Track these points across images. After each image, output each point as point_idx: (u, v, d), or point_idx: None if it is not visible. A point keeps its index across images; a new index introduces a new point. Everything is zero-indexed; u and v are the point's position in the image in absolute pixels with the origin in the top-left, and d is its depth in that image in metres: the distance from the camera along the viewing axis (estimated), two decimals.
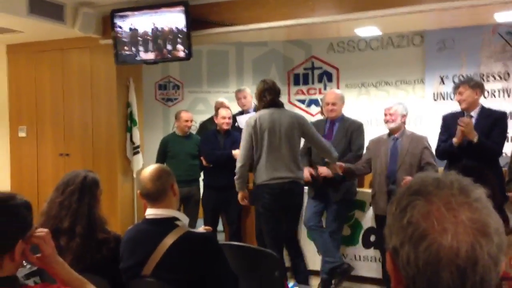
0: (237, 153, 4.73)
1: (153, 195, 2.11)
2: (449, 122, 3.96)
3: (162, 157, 5.21)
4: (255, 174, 3.91)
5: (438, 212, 0.77)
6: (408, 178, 3.78)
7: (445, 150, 3.83)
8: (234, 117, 5.49)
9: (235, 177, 3.95)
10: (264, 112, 3.86)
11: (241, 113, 5.59)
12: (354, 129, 4.38)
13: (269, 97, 3.89)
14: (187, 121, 5.20)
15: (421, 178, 0.84)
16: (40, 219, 2.27)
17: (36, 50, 6.03)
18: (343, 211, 4.39)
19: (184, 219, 2.12)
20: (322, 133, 4.39)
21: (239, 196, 4.05)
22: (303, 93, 7.20)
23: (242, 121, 5.28)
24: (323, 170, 4.23)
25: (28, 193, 5.95)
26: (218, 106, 5.33)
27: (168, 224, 2.04)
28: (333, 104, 4.40)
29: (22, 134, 6.17)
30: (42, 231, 1.50)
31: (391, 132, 4.17)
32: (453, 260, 0.74)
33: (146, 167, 2.22)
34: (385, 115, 4.18)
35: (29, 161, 6.14)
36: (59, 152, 5.98)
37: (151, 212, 2.11)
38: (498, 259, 0.77)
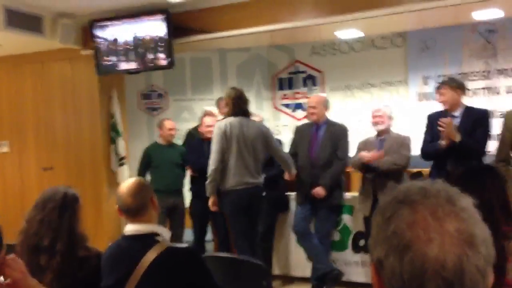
0: None
1: (134, 211, 2.06)
2: (434, 121, 3.96)
3: (144, 167, 5.12)
4: (221, 179, 4.00)
5: (424, 221, 0.74)
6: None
7: (431, 152, 3.82)
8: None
9: (208, 181, 4.01)
10: (234, 119, 3.98)
11: None
12: (340, 134, 4.38)
13: (241, 105, 4.02)
14: (171, 129, 5.13)
15: (407, 187, 0.81)
16: (19, 238, 2.21)
17: (16, 63, 5.95)
18: (332, 216, 4.36)
19: (165, 234, 2.07)
20: (308, 137, 4.38)
21: (210, 201, 4.08)
22: (288, 97, 7.18)
23: None
24: (319, 192, 4.22)
25: (12, 209, 5.85)
26: (203, 113, 5.28)
27: (149, 240, 1.99)
28: (313, 107, 4.40)
29: (4, 149, 6.07)
30: (6, 258, 1.44)
31: (379, 134, 4.18)
32: (439, 272, 0.71)
33: (124, 182, 2.16)
34: (373, 117, 4.18)
35: (13, 177, 6.04)
36: (43, 166, 5.89)
37: (130, 228, 2.05)
38: (485, 272, 0.74)
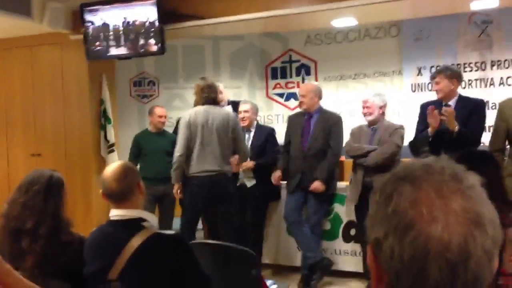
0: None
1: (119, 195, 1.98)
2: (426, 111, 3.91)
3: (135, 155, 5.07)
4: (187, 166, 4.04)
5: (427, 199, 0.68)
6: None
7: (420, 140, 3.77)
8: None
9: (173, 168, 4.05)
10: (200, 108, 4.07)
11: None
12: (333, 123, 4.32)
13: (208, 94, 4.07)
14: (160, 116, 5.05)
15: (409, 164, 0.76)
16: (0, 221, 2.14)
17: (3, 47, 5.82)
18: (324, 205, 4.32)
19: (152, 220, 2.00)
20: (300, 126, 4.32)
21: (175, 188, 4.11)
22: (281, 86, 7.10)
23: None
24: (318, 187, 4.18)
25: (0, 194, 5.76)
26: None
27: (134, 225, 1.93)
28: (303, 96, 4.34)
29: None
30: None
31: (370, 124, 4.14)
32: (442, 253, 0.66)
33: (108, 166, 2.09)
34: (363, 107, 4.14)
35: (0, 163, 5.93)
36: (31, 153, 5.79)
37: (115, 213, 1.98)
38: (492, 254, 0.68)
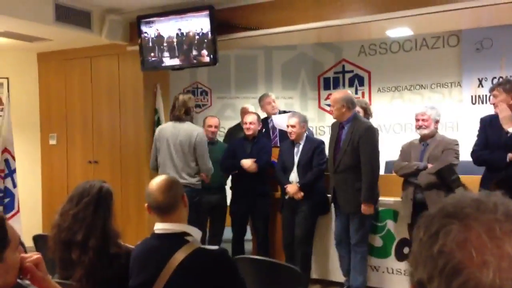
0: (245, 162, 4.62)
1: (164, 208, 1.99)
2: (487, 125, 3.72)
3: None
4: None
5: (478, 240, 0.62)
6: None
7: (488, 160, 3.57)
8: (265, 121, 5.39)
9: None
10: (169, 123, 4.49)
11: (266, 118, 5.51)
12: (361, 135, 3.97)
13: (179, 111, 4.39)
14: (210, 126, 5.06)
15: (457, 198, 0.69)
16: (52, 231, 2.20)
17: (65, 58, 6.08)
18: (365, 222, 4.13)
19: (195, 234, 1.99)
20: (334, 138, 4.17)
21: None
22: None
23: (278, 121, 5.22)
24: (365, 211, 3.98)
25: (58, 201, 5.96)
26: (243, 112, 5.25)
27: (178, 239, 1.92)
28: (331, 106, 4.17)
29: (52, 141, 6.23)
30: (31, 258, 1.39)
31: (423, 138, 3.96)
32: None
33: (154, 179, 2.10)
34: (417, 120, 3.96)
35: (59, 169, 6.19)
36: (88, 160, 6.00)
37: (160, 227, 1.99)
38: None
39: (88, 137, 6.02)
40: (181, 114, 4.40)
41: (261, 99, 5.63)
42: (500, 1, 3.95)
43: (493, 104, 3.62)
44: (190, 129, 4.36)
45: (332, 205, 4.31)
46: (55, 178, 6.22)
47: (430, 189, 3.72)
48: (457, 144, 3.89)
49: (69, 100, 6.13)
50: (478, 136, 3.79)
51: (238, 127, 5.49)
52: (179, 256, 1.85)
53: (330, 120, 6.90)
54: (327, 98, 7.04)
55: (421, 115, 3.95)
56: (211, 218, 4.99)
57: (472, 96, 5.94)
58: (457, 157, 3.83)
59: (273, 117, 5.41)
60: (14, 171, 5.50)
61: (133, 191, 5.72)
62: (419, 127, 3.95)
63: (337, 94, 4.27)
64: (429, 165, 3.82)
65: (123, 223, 5.80)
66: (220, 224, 5.02)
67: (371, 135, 4.03)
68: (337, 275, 4.54)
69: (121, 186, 5.75)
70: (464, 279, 0.61)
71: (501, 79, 5.59)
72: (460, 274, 0.61)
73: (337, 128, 4.19)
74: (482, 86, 5.87)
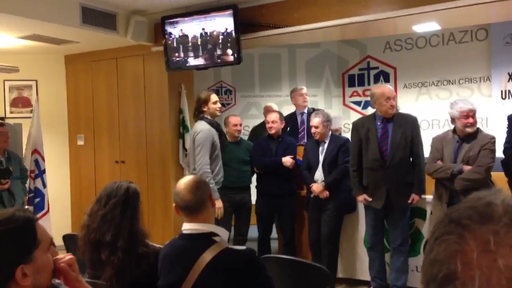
0: (286, 160, 4.59)
1: (192, 207, 2.00)
2: None
3: None
4: None
5: (469, 253, 0.61)
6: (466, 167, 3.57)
7: None
8: (290, 118, 5.37)
9: None
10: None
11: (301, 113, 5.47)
12: (413, 127, 3.97)
13: (194, 110, 4.45)
14: (235, 125, 5.05)
15: (468, 203, 0.67)
16: (81, 232, 2.23)
17: (92, 59, 6.18)
18: (406, 218, 4.09)
19: (223, 234, 1.99)
20: (374, 133, 4.02)
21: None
22: (358, 94, 6.94)
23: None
24: (417, 200, 3.96)
25: (86, 200, 6.09)
26: (266, 111, 5.23)
27: (206, 240, 1.93)
28: (394, 98, 3.97)
29: (80, 142, 6.34)
30: (64, 259, 1.41)
31: (462, 135, 3.73)
32: None
33: (181, 179, 2.11)
34: (467, 116, 3.66)
35: (87, 169, 6.29)
36: (115, 160, 6.08)
37: (187, 227, 2.00)
38: None
39: (115, 137, 6.10)
40: (194, 113, 4.50)
41: (293, 91, 5.59)
42: None
43: None
44: (195, 127, 4.43)
45: (362, 204, 4.25)
46: (83, 178, 6.33)
47: (466, 193, 3.60)
48: (494, 141, 3.67)
49: (96, 101, 6.23)
50: (509, 133, 3.69)
51: (263, 126, 5.47)
52: (207, 256, 1.85)
53: (355, 117, 6.85)
54: (352, 95, 6.98)
55: (471, 111, 3.66)
56: (235, 217, 5.00)
57: (502, 91, 5.80)
58: (493, 157, 3.64)
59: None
60: (44, 171, 5.62)
61: (159, 191, 5.78)
62: (466, 125, 3.67)
63: (390, 88, 4.19)
64: (465, 168, 3.62)
65: (149, 223, 5.88)
66: (245, 223, 5.02)
67: (419, 127, 4.09)
68: (364, 274, 4.49)
69: (147, 186, 5.81)
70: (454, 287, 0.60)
71: None
72: (450, 284, 0.61)
73: (373, 125, 4.05)
74: None
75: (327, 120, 4.42)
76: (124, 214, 2.18)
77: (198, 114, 4.44)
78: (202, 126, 4.34)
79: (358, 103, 6.95)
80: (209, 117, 4.41)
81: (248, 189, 5.08)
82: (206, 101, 4.42)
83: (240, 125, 5.08)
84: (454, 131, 3.81)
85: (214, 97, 4.50)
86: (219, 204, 4.10)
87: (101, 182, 6.12)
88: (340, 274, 4.62)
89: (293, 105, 5.68)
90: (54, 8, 4.72)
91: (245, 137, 5.69)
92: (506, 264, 0.59)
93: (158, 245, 2.20)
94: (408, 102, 6.36)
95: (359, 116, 6.77)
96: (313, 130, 4.41)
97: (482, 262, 0.60)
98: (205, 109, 4.41)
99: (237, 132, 5.01)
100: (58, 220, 5.72)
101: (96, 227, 2.18)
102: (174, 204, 2.07)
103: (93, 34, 5.19)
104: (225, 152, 5.01)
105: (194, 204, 2.01)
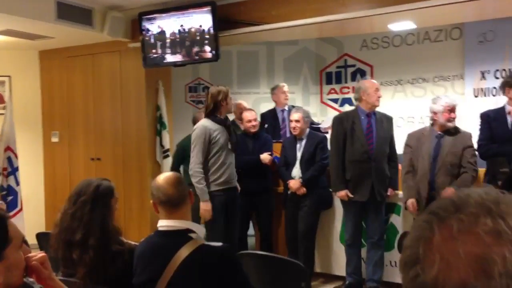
0: (265, 157, 4.60)
1: (175, 201, 2.00)
2: (491, 120, 3.71)
3: (180, 162, 4.97)
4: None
5: (432, 239, 0.65)
6: (449, 190, 3.55)
7: (498, 153, 3.56)
8: (270, 115, 5.38)
9: None
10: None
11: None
12: (390, 126, 4.17)
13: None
14: (249, 121, 4.98)
15: (454, 196, 0.70)
16: (53, 230, 2.20)
17: (67, 55, 6.09)
18: (382, 214, 4.19)
19: (199, 231, 2.00)
20: (360, 126, 4.06)
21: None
22: (336, 92, 7.00)
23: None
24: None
25: (60, 198, 5.99)
26: (239, 109, 5.18)
27: (182, 236, 1.93)
28: (379, 91, 4.13)
29: (54, 139, 6.24)
30: (36, 257, 1.39)
31: (441, 130, 3.78)
32: None
33: (159, 175, 2.10)
34: (450, 111, 3.73)
35: (62, 166, 6.20)
36: (91, 157, 6.01)
37: (164, 224, 1.99)
38: None
39: (90, 134, 6.02)
40: (208, 109, 4.06)
41: (275, 88, 5.56)
42: None
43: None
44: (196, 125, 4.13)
45: (338, 201, 4.29)
46: (57, 176, 6.23)
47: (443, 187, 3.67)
48: (471, 138, 3.78)
49: (71, 97, 6.14)
50: (482, 131, 3.77)
51: (233, 124, 5.42)
52: (183, 252, 1.85)
53: (332, 114, 6.90)
54: (330, 93, 7.04)
55: (453, 107, 3.74)
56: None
57: (474, 89, 5.92)
58: (475, 154, 3.74)
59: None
60: (17, 169, 5.51)
61: (136, 188, 5.73)
62: (449, 120, 3.73)
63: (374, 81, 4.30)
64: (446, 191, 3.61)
65: (125, 220, 5.84)
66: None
67: (393, 127, 4.22)
68: (339, 269, 4.55)
69: (124, 183, 5.76)
70: (415, 272, 0.64)
71: (504, 72, 5.58)
72: (413, 267, 0.65)
73: (357, 118, 4.08)
74: (485, 79, 5.85)
75: (307, 116, 4.48)
76: (93, 212, 2.14)
77: (213, 111, 4.00)
78: (200, 123, 4.04)
79: (335, 101, 7.01)
80: (218, 116, 4.02)
81: None
82: (226, 96, 4.03)
83: (255, 119, 4.83)
84: (432, 127, 3.86)
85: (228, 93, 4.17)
86: (206, 206, 3.88)
87: (76, 179, 6.03)
88: (316, 269, 4.66)
89: (270, 102, 5.70)
90: (29, 3, 4.63)
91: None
92: (466, 250, 0.61)
93: (133, 242, 2.19)
94: (385, 100, 6.42)
95: (337, 113, 6.83)
96: (293, 124, 4.42)
97: (443, 248, 0.63)
98: (223, 105, 4.01)
99: (253, 128, 4.77)
100: (31, 218, 5.63)
101: (66, 226, 2.15)
102: (152, 201, 2.05)
103: (69, 30, 5.12)
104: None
105: (177, 198, 2.01)
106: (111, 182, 2.28)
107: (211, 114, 4.01)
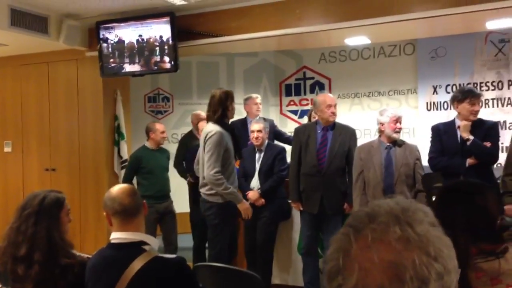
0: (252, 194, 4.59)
1: (130, 211, 1.98)
2: (442, 133, 3.85)
3: (133, 173, 4.91)
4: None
5: (350, 250, 0.69)
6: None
7: (447, 166, 3.69)
8: (240, 125, 5.38)
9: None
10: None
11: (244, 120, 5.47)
12: (351, 138, 4.16)
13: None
14: (163, 132, 5.00)
15: (368, 207, 0.75)
16: (2, 244, 2.13)
17: (21, 63, 5.93)
18: (341, 223, 4.23)
19: (153, 243, 1.98)
20: (314, 140, 4.14)
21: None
22: (295, 103, 7.09)
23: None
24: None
25: (13, 209, 5.78)
26: (197, 119, 5.18)
27: (135, 248, 1.90)
28: (335, 106, 4.12)
29: (7, 149, 6.04)
30: None
31: (389, 142, 3.90)
32: None
33: (112, 188, 2.08)
34: (395, 123, 3.84)
35: (15, 177, 6.01)
36: (45, 167, 5.85)
37: (117, 236, 1.97)
38: None
39: (45, 144, 5.86)
40: (212, 112, 3.83)
41: (247, 99, 5.52)
42: (453, 11, 4.11)
43: (476, 112, 3.72)
44: (206, 128, 3.82)
45: (297, 212, 4.33)
46: (9, 187, 6.03)
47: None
48: (419, 151, 3.91)
49: (25, 106, 5.97)
50: (433, 143, 3.90)
51: (191, 134, 5.42)
52: (136, 265, 1.83)
53: (292, 126, 7.00)
54: (289, 104, 7.12)
55: (399, 118, 3.86)
56: (161, 227, 4.94)
57: (427, 103, 6.13)
58: (422, 167, 3.87)
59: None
60: None
61: (92, 199, 5.61)
62: (395, 130, 3.85)
63: (331, 96, 4.34)
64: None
65: (81, 232, 5.70)
66: (173, 231, 4.97)
67: (356, 139, 4.23)
68: (298, 280, 4.58)
69: (80, 194, 5.63)
70: (337, 282, 0.68)
71: (453, 87, 5.81)
72: (336, 277, 0.68)
73: (313, 132, 4.16)
74: (437, 93, 6.07)
75: (267, 127, 4.53)
76: (38, 226, 2.07)
77: (222, 116, 3.77)
78: (214, 127, 3.75)
79: (295, 112, 7.10)
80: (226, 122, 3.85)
81: (170, 196, 5.04)
82: (233, 100, 3.84)
83: (166, 132, 5.06)
84: (380, 138, 3.98)
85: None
86: (245, 205, 3.88)
87: (29, 190, 5.80)
88: (275, 281, 4.68)
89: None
90: None
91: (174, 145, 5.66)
92: (380, 258, 0.66)
93: (85, 255, 2.14)
94: (342, 112, 6.57)
95: (296, 125, 6.92)
96: (256, 135, 4.44)
97: (360, 257, 0.67)
98: (230, 109, 3.82)
99: (163, 140, 5.00)
100: None
101: (11, 241, 2.08)
102: (105, 213, 2.02)
103: (23, 37, 4.99)
104: (150, 161, 4.90)
105: (133, 207, 1.99)
106: (60, 193, 2.22)
107: (220, 119, 3.77)
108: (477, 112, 3.71)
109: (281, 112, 7.14)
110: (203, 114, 5.52)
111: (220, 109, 3.77)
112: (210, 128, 3.75)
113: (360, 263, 0.66)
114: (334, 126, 4.17)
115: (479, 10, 4.08)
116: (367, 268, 0.66)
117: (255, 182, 4.44)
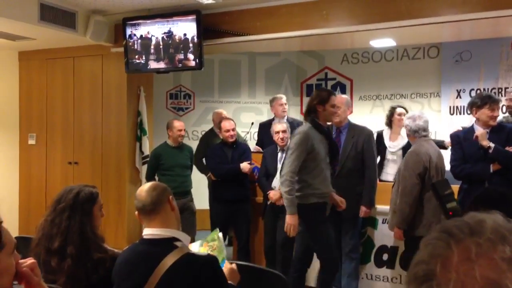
0: (245, 166, 4.63)
1: (148, 207, 1.99)
2: (462, 140, 3.82)
3: (154, 170, 5.00)
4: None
5: (450, 258, 0.67)
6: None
7: (471, 173, 3.67)
8: (268, 126, 5.36)
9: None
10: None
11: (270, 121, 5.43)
12: (366, 139, 4.07)
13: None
14: (180, 130, 5.02)
15: (467, 218, 0.73)
16: (36, 235, 2.19)
17: (48, 57, 6.02)
18: (358, 227, 4.23)
19: (184, 239, 2.01)
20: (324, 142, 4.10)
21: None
22: None
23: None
24: (366, 214, 4.09)
25: (35, 202, 5.92)
26: (219, 118, 5.21)
27: (167, 244, 1.93)
28: (338, 107, 3.98)
29: (31, 141, 6.14)
30: (26, 263, 1.39)
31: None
32: None
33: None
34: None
35: (38, 169, 6.10)
36: (68, 160, 5.94)
37: (149, 232, 2.00)
38: None
39: (68, 137, 5.95)
40: (306, 112, 3.67)
41: (273, 100, 5.51)
42: (479, 16, 4.08)
43: (496, 116, 3.71)
44: (297, 129, 3.71)
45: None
46: (33, 179, 6.13)
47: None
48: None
49: (50, 99, 6.07)
50: (454, 151, 3.86)
51: (212, 132, 5.45)
52: (168, 261, 1.86)
53: None
54: None
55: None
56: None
57: (450, 107, 6.08)
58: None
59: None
60: None
61: (113, 194, 5.68)
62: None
63: (341, 96, 4.25)
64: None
65: (102, 225, 5.76)
66: (191, 228, 5.00)
67: (373, 140, 4.16)
68: (314, 280, 4.58)
69: (101, 189, 5.65)
70: (429, 287, 0.67)
71: (478, 92, 5.75)
72: (428, 282, 0.67)
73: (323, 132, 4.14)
74: (460, 97, 6.02)
75: (289, 127, 4.56)
76: (71, 220, 2.12)
77: (308, 114, 3.59)
78: (303, 128, 3.57)
79: None
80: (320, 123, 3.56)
81: (190, 193, 5.08)
82: (324, 101, 3.54)
83: (184, 130, 5.10)
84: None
85: (333, 99, 3.62)
86: (292, 220, 3.45)
87: (52, 183, 5.96)
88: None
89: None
90: (12, 4, 4.58)
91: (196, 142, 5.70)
92: (482, 274, 0.65)
93: (117, 250, 2.19)
94: (363, 114, 6.56)
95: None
96: (281, 135, 4.45)
97: (460, 268, 0.66)
98: (320, 110, 3.54)
99: (181, 137, 5.02)
100: (5, 221, 5.46)
101: (45, 233, 2.14)
102: (136, 212, 2.06)
103: (51, 32, 5.07)
104: (169, 158, 4.96)
105: (149, 203, 2.00)
106: (94, 188, 2.27)
107: (312, 120, 3.55)
108: (496, 117, 3.70)
109: (301, 112, 7.14)
110: (225, 113, 5.58)
111: (309, 109, 3.60)
112: (300, 129, 3.62)
113: (459, 274, 0.65)
114: (348, 127, 4.15)
115: (508, 15, 4.04)
116: (464, 282, 0.65)
117: (276, 182, 4.46)
